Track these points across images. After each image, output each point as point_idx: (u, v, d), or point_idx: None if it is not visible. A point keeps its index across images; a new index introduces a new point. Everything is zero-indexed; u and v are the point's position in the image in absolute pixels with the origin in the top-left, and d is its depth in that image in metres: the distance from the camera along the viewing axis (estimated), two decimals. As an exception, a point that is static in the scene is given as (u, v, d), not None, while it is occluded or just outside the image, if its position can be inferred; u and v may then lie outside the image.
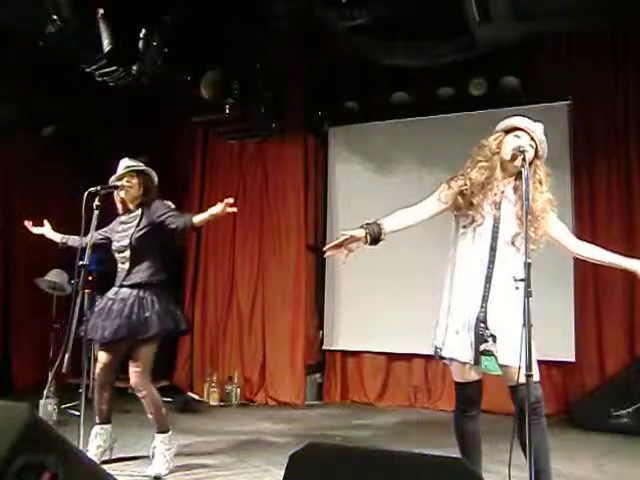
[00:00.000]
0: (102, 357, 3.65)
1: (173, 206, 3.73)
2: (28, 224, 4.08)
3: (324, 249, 2.83)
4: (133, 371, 3.57)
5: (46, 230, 4.06)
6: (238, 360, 6.40)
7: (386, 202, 6.14)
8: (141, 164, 3.80)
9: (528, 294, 2.41)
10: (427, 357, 5.95)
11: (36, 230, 4.05)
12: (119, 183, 3.69)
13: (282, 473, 1.56)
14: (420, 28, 4.81)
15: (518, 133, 2.78)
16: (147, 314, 3.51)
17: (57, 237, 4.01)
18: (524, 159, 2.62)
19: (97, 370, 3.66)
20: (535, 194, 2.72)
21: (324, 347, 6.49)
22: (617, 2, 4.58)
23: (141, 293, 3.57)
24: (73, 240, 3.89)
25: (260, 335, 6.41)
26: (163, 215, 3.62)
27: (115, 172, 3.79)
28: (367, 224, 2.79)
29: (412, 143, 6.20)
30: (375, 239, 2.80)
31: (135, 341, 3.52)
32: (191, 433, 4.55)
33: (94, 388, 3.69)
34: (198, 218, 3.55)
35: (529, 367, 2.34)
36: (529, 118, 2.87)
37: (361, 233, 2.76)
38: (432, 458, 1.58)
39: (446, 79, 5.78)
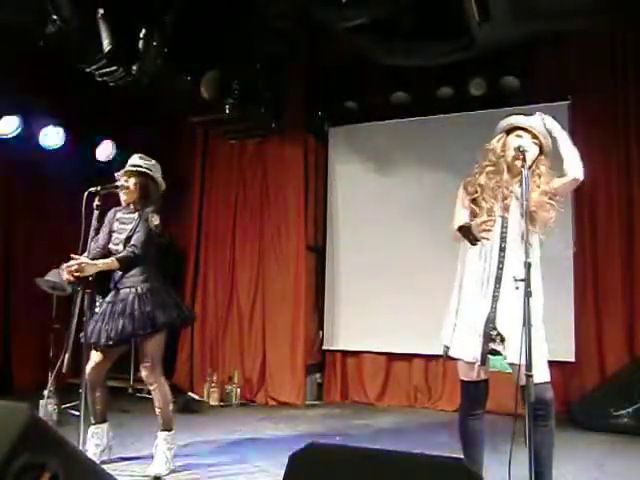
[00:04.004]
0: (95, 357, 3.60)
1: (153, 225, 3.62)
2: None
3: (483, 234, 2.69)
4: (143, 366, 3.59)
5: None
6: (238, 360, 6.40)
7: (386, 202, 6.23)
8: (145, 164, 3.74)
9: (528, 294, 2.42)
10: (427, 357, 5.96)
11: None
12: (119, 183, 3.69)
13: (282, 473, 1.56)
14: (420, 28, 4.82)
15: (519, 132, 2.78)
16: (149, 308, 3.52)
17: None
18: (524, 159, 2.63)
19: (87, 369, 3.54)
20: (532, 188, 2.74)
21: (324, 347, 6.48)
22: (617, 2, 4.59)
23: (139, 290, 3.58)
24: None
25: (260, 335, 6.41)
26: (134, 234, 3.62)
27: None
28: None
29: (412, 143, 6.20)
30: None
31: (142, 337, 3.53)
32: (191, 433, 4.55)
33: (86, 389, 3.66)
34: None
35: (529, 367, 2.34)
36: (526, 114, 2.88)
37: None
38: (432, 458, 1.58)
39: (446, 79, 5.78)
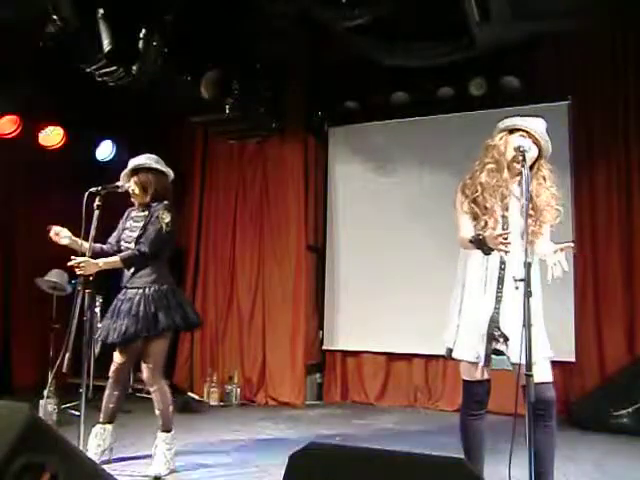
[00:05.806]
0: (116, 357, 3.68)
1: (164, 223, 3.58)
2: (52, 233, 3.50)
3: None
4: (145, 367, 3.59)
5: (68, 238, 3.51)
6: (238, 360, 6.40)
7: (386, 202, 6.23)
8: (145, 157, 3.71)
9: (528, 294, 2.42)
10: (427, 357, 5.96)
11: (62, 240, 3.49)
12: (119, 183, 3.68)
13: (282, 473, 1.56)
14: (420, 28, 4.82)
15: (522, 133, 2.79)
16: (154, 310, 3.51)
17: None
18: (524, 159, 2.63)
19: (111, 368, 3.68)
20: (539, 189, 2.75)
21: (324, 347, 6.48)
22: (617, 2, 4.59)
23: (147, 291, 3.57)
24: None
25: (260, 335, 6.41)
26: (144, 232, 3.60)
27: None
28: None
29: (412, 143, 6.20)
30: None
31: (146, 338, 3.53)
32: (191, 433, 4.55)
33: (106, 386, 3.72)
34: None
35: (529, 367, 2.34)
36: (528, 116, 2.88)
37: None
38: (432, 458, 1.58)
39: (446, 79, 5.78)
